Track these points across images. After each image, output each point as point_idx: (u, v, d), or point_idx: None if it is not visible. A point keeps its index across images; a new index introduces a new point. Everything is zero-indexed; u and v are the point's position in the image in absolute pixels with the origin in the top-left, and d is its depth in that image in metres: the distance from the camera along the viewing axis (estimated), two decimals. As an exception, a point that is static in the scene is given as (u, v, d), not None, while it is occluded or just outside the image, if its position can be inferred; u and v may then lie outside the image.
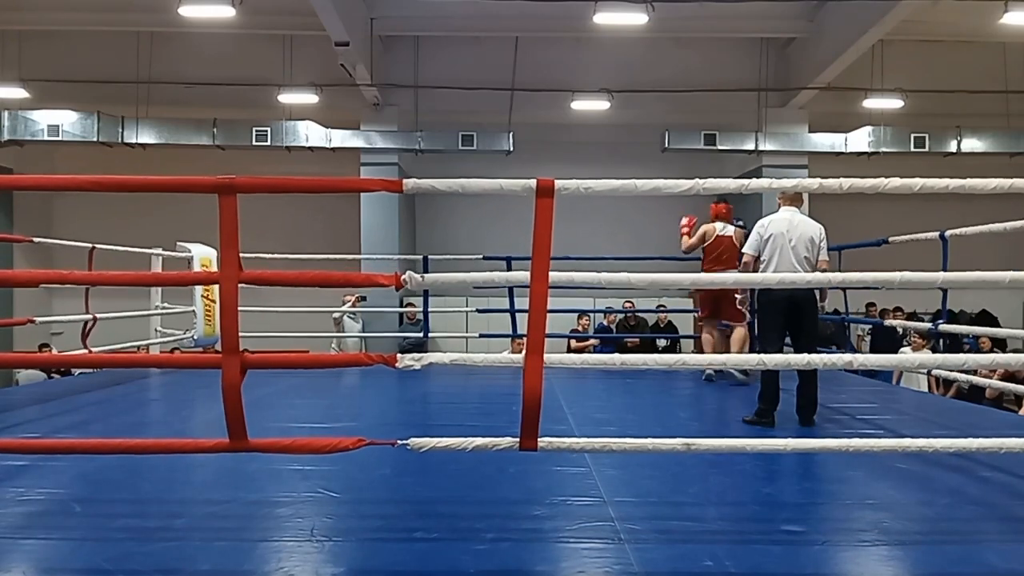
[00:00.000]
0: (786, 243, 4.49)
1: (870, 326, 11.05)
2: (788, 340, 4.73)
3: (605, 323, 10.98)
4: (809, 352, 4.15)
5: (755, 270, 4.63)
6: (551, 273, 2.47)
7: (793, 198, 4.73)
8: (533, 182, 2.43)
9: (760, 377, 4.54)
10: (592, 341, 10.24)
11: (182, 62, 11.61)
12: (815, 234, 4.56)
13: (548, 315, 2.49)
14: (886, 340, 9.78)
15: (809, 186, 2.70)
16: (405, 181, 2.50)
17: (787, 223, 4.55)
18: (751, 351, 6.11)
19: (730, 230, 6.49)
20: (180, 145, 11.71)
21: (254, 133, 11.55)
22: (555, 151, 12.69)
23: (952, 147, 11.67)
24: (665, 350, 10.71)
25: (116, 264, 6.05)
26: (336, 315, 9.94)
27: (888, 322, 6.86)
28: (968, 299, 12.93)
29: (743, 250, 4.84)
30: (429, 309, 8.23)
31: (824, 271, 4.47)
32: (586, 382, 6.18)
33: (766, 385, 4.47)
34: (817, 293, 4.65)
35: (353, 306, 10.29)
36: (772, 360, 2.74)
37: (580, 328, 10.45)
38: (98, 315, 5.92)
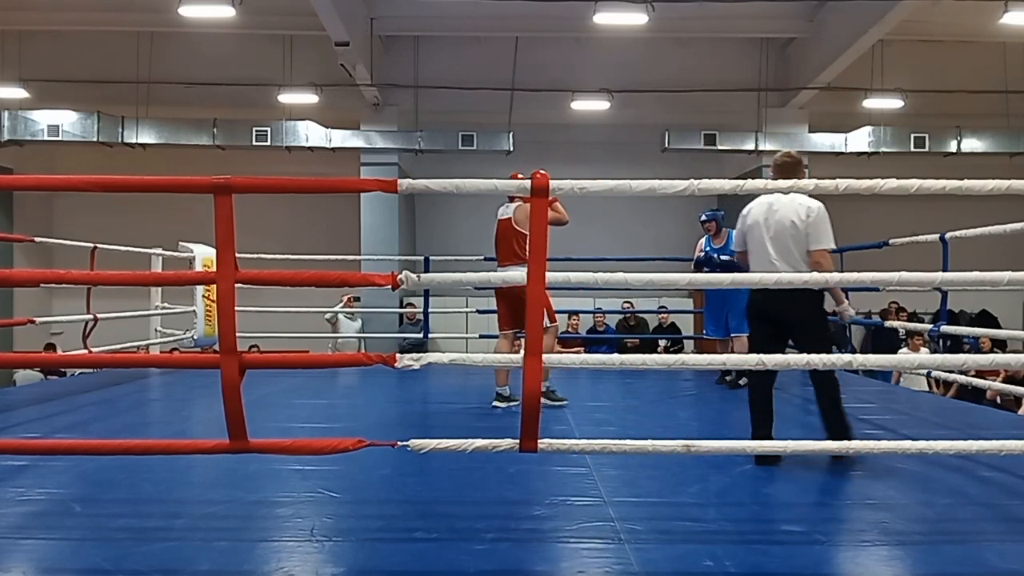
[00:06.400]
0: (763, 233, 3.59)
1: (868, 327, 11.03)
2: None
3: (593, 323, 10.85)
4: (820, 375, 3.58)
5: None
6: (548, 274, 2.47)
7: (784, 168, 3.70)
8: (527, 182, 2.43)
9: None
10: (578, 348, 10.15)
11: (182, 62, 11.62)
12: (797, 216, 3.51)
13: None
14: (885, 341, 9.77)
15: (805, 187, 2.69)
16: (400, 181, 2.50)
17: (767, 207, 3.61)
18: None
19: (510, 209, 5.09)
20: (180, 145, 11.71)
21: (254, 133, 11.55)
22: (555, 151, 12.68)
23: (952, 147, 11.67)
24: (667, 351, 10.69)
25: (116, 264, 6.05)
26: (328, 315, 9.94)
27: (888, 323, 6.85)
28: (968, 299, 12.92)
29: (732, 247, 3.92)
30: (429, 310, 8.22)
31: (818, 263, 3.47)
32: (586, 382, 6.18)
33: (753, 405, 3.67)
34: (822, 294, 3.70)
35: (346, 306, 10.28)
36: (772, 360, 2.73)
37: (569, 328, 10.39)
38: (98, 315, 5.92)
